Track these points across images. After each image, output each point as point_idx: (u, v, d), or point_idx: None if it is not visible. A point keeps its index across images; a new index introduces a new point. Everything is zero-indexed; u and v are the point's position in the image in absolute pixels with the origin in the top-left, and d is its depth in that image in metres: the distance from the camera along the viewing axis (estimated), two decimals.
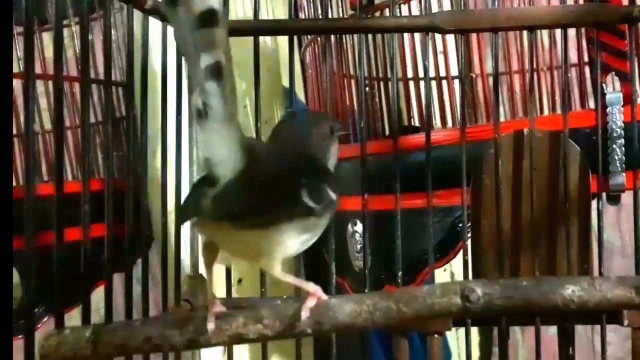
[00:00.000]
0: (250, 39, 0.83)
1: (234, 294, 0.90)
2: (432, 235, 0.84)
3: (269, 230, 0.55)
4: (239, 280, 1.16)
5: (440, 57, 1.06)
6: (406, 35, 1.03)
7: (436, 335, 0.87)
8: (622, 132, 0.87)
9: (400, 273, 0.83)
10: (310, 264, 0.90)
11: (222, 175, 0.54)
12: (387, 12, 1.02)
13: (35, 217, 0.57)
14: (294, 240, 0.56)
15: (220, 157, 0.54)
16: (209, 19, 0.51)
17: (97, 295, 0.73)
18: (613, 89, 0.89)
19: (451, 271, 1.44)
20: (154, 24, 0.80)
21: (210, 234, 0.58)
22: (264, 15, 1.26)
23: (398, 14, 0.96)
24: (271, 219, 0.55)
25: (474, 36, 1.10)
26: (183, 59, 0.58)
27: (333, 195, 0.59)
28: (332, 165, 0.63)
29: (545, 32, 1.08)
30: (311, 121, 0.63)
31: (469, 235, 0.87)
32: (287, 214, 0.55)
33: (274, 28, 0.90)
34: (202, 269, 0.79)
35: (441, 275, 1.39)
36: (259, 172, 0.55)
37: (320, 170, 0.61)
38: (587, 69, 1.06)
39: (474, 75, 1.17)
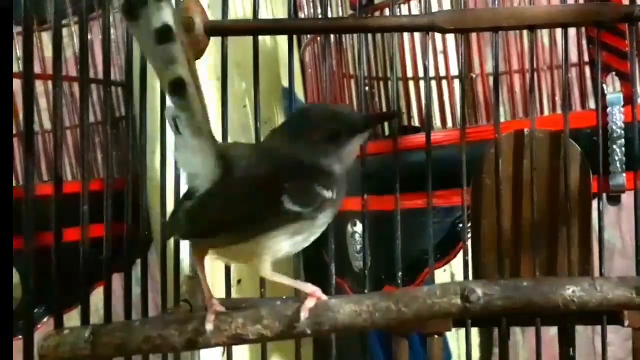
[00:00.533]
0: (250, 38, 0.83)
1: (234, 295, 0.90)
2: (432, 235, 0.84)
3: (248, 242, 0.55)
4: (238, 281, 1.16)
5: (440, 57, 1.06)
6: (406, 35, 1.03)
7: (436, 336, 0.87)
8: (623, 132, 0.87)
9: (400, 273, 0.82)
10: (310, 264, 0.90)
11: (200, 187, 0.54)
12: (386, 11, 1.02)
13: (34, 217, 0.57)
14: (283, 244, 0.56)
15: (195, 169, 0.54)
16: (165, 35, 0.52)
17: (97, 296, 0.73)
18: (613, 89, 0.89)
19: (451, 271, 1.44)
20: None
21: (194, 241, 0.58)
22: (263, 14, 1.26)
23: (398, 14, 0.96)
24: (247, 233, 0.54)
25: (474, 36, 1.10)
26: None
27: (328, 194, 0.57)
28: (336, 164, 0.59)
29: (545, 32, 1.08)
30: (311, 121, 0.60)
31: (469, 235, 0.87)
32: (268, 224, 0.55)
33: (273, 27, 0.89)
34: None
35: (441, 275, 1.39)
36: (233, 183, 0.54)
37: (313, 170, 0.58)
38: (587, 69, 1.06)
39: (474, 75, 1.17)
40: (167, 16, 0.51)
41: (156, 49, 0.52)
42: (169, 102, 0.55)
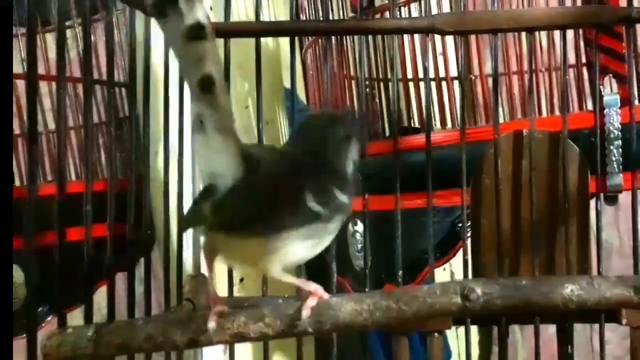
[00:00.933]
0: (252, 40, 0.84)
1: (236, 293, 0.90)
2: (432, 235, 0.84)
3: (269, 238, 0.55)
4: (241, 280, 1.16)
5: (440, 59, 1.06)
6: (406, 37, 1.03)
7: (436, 335, 0.87)
8: (620, 133, 0.87)
9: (400, 272, 0.83)
10: (311, 263, 0.90)
11: (222, 185, 0.54)
12: (387, 14, 1.03)
13: (38, 217, 0.58)
14: (296, 247, 0.56)
15: (219, 168, 0.54)
16: (197, 32, 0.52)
17: (100, 295, 0.74)
18: (611, 90, 0.90)
19: (451, 270, 1.44)
20: (156, 24, 0.80)
21: (211, 238, 0.58)
22: (265, 16, 1.27)
23: (398, 16, 0.96)
24: (270, 227, 0.54)
25: (473, 38, 1.10)
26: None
27: (343, 198, 0.58)
28: (349, 168, 0.60)
29: (544, 34, 1.09)
30: (327, 124, 0.61)
31: (469, 234, 0.88)
32: (290, 221, 0.55)
33: (275, 29, 0.90)
34: (204, 269, 0.80)
35: (441, 274, 1.39)
36: (257, 179, 0.54)
37: (331, 172, 0.59)
38: (585, 71, 1.07)
39: (474, 77, 1.18)
40: (200, 14, 0.51)
41: (187, 47, 0.52)
42: (190, 100, 0.55)
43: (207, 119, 0.53)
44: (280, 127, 1.37)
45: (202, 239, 0.59)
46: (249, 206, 0.54)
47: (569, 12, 0.83)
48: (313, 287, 0.58)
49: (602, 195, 0.88)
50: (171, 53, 0.79)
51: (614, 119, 0.87)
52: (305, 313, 0.57)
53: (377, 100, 1.10)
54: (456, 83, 1.03)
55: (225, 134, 0.54)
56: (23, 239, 0.58)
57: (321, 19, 1.01)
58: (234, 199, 0.54)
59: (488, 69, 1.04)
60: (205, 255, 0.59)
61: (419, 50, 1.02)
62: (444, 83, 1.06)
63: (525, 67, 1.01)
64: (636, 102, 0.86)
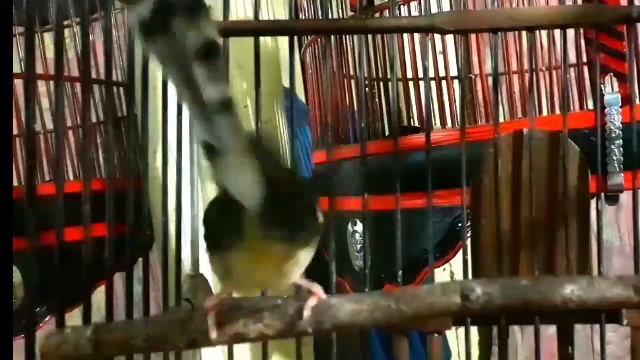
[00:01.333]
0: (251, 39, 0.83)
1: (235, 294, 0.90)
2: (432, 235, 0.84)
3: (305, 245, 0.54)
4: None
5: (440, 58, 1.06)
6: (406, 36, 1.03)
7: (436, 335, 0.87)
8: (621, 132, 0.87)
9: (400, 273, 0.83)
10: (311, 263, 0.90)
11: (248, 201, 0.51)
12: (387, 13, 1.03)
13: (36, 217, 0.58)
14: (309, 257, 0.56)
15: (244, 188, 0.51)
16: (209, 51, 0.48)
17: (99, 295, 0.74)
18: (612, 90, 0.90)
19: (451, 271, 1.44)
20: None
21: (235, 261, 0.55)
22: (264, 15, 1.26)
23: (398, 15, 0.96)
24: (308, 236, 0.54)
25: (473, 37, 1.10)
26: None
27: (320, 217, 0.57)
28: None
29: (544, 33, 1.09)
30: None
31: (469, 235, 0.88)
32: (315, 230, 0.55)
33: (274, 28, 0.90)
34: (203, 269, 0.80)
35: (441, 275, 1.40)
36: (284, 191, 0.53)
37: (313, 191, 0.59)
38: (586, 70, 1.07)
39: (474, 76, 1.18)
40: (211, 30, 0.48)
41: (197, 66, 0.48)
42: (193, 124, 0.50)
43: (225, 141, 0.49)
44: (279, 126, 1.37)
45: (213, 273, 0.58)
46: (292, 215, 0.52)
47: (569, 12, 0.83)
48: (316, 287, 0.58)
49: (603, 195, 0.88)
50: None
51: (615, 118, 0.87)
52: (307, 313, 0.57)
53: (377, 100, 1.10)
54: (456, 82, 1.03)
55: (244, 154, 0.50)
56: (21, 239, 0.58)
57: (321, 18, 1.01)
58: (275, 209, 0.51)
59: (488, 68, 1.04)
60: (225, 290, 0.58)
61: (419, 49, 1.02)
62: (444, 82, 1.06)
63: (526, 66, 1.01)
64: (638, 101, 0.85)
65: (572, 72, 1.09)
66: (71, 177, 1.18)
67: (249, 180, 0.51)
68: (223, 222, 0.54)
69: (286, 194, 0.53)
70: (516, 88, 1.13)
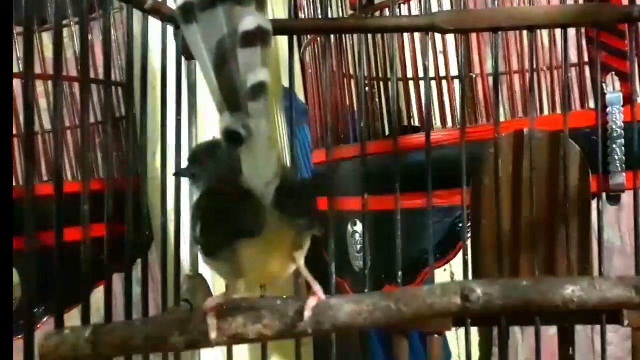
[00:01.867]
0: None
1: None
2: (432, 235, 0.84)
3: (311, 231, 0.56)
4: None
5: (440, 57, 1.06)
6: (406, 35, 1.03)
7: (436, 335, 0.87)
8: (622, 132, 0.87)
9: (400, 273, 0.83)
10: (310, 264, 0.90)
11: (264, 189, 0.51)
12: (387, 12, 1.02)
13: (35, 217, 0.57)
14: (309, 242, 0.57)
15: (268, 174, 0.51)
16: (255, 37, 0.49)
17: (97, 296, 0.73)
18: (613, 89, 0.89)
19: (451, 271, 1.44)
20: (154, 24, 0.80)
21: (247, 253, 0.55)
22: None
23: (398, 14, 0.96)
24: (318, 223, 0.55)
25: (473, 36, 1.10)
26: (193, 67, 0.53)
27: None
28: None
29: (545, 32, 1.09)
30: None
31: (469, 235, 0.87)
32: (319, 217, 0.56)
33: (273, 28, 0.89)
34: (202, 269, 0.79)
35: (441, 275, 1.39)
36: (292, 180, 0.55)
37: None
38: (587, 69, 1.06)
39: (474, 75, 1.17)
40: (258, 16, 0.49)
41: (239, 53, 0.48)
42: (222, 112, 0.49)
43: (256, 128, 0.49)
44: (278, 126, 1.36)
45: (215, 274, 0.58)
46: (304, 201, 0.53)
47: (570, 11, 0.83)
48: (317, 286, 0.58)
49: (604, 194, 0.87)
50: (169, 51, 0.80)
51: (617, 117, 0.87)
52: (307, 314, 0.56)
53: (377, 99, 1.10)
54: (457, 82, 1.03)
55: (272, 144, 0.51)
56: (20, 239, 0.57)
57: (320, 17, 1.00)
58: (290, 196, 0.51)
59: (489, 67, 1.04)
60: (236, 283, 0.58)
61: (419, 48, 1.01)
62: (444, 82, 1.06)
63: (527, 65, 1.00)
64: (639, 100, 0.85)
65: (573, 71, 1.09)
66: (69, 178, 1.18)
67: (272, 167, 0.51)
68: (230, 217, 0.53)
69: (292, 183, 0.54)
70: (517, 87, 1.12)
